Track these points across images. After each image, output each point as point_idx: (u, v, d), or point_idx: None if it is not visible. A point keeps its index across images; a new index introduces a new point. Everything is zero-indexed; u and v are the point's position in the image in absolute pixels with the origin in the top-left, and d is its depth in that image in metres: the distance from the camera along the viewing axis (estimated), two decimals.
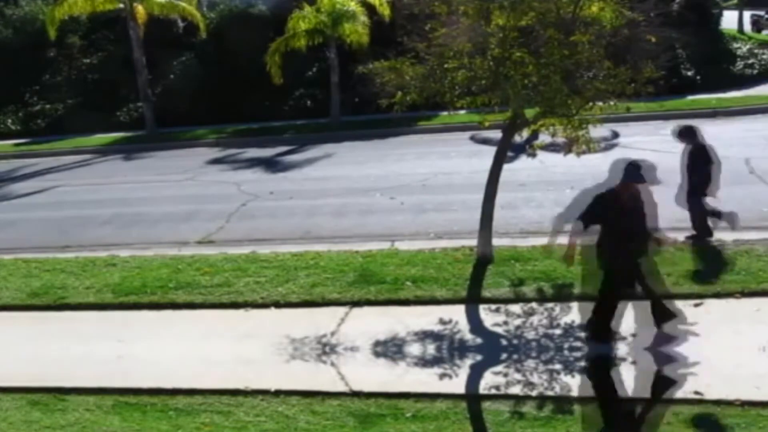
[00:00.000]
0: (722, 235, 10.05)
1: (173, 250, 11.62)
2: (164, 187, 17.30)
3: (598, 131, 10.79)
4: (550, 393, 7.20)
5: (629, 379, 7.56)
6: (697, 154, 10.08)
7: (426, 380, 7.69)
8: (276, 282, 9.78)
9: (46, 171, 21.40)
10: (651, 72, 8.98)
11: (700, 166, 9.99)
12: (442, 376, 7.75)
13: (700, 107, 21.39)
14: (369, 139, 21.38)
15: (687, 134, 10.29)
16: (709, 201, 10.20)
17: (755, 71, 25.43)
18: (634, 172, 7.62)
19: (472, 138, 19.41)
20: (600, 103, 9.29)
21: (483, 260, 9.74)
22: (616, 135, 17.82)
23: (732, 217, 10.04)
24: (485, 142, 17.21)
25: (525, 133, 10.35)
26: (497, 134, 10.25)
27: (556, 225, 9.59)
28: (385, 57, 9.74)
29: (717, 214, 10.15)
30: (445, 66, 9.09)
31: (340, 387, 7.86)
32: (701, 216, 10.11)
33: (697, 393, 6.91)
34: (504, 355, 7.90)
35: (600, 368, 7.73)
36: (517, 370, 7.60)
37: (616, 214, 7.57)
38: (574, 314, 8.34)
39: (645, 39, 9.03)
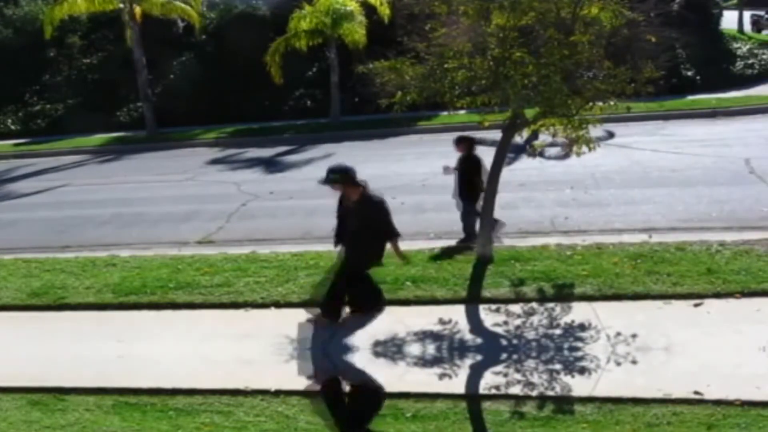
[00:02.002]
0: (724, 236, 10.06)
1: (173, 250, 11.62)
2: (164, 187, 17.29)
3: (599, 131, 10.82)
4: (550, 393, 7.19)
5: None
6: (468, 163, 10.63)
7: (426, 380, 7.68)
8: (276, 282, 9.78)
9: (46, 171, 21.41)
10: (651, 72, 8.97)
11: (471, 175, 10.56)
12: (442, 376, 7.75)
13: (700, 107, 21.41)
14: (369, 139, 21.38)
15: (461, 143, 10.78)
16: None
17: (755, 71, 25.47)
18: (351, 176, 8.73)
19: None
20: (600, 103, 9.29)
21: (483, 260, 9.74)
22: (613, 135, 17.83)
23: (499, 226, 10.51)
24: (485, 142, 17.19)
25: (525, 133, 10.37)
26: (497, 134, 10.24)
27: None
28: (385, 57, 9.73)
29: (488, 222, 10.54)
30: (445, 66, 9.07)
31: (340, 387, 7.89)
32: (470, 221, 10.58)
33: (697, 393, 6.90)
34: (504, 355, 7.89)
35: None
36: (517, 370, 7.60)
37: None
38: (574, 314, 8.34)
39: (645, 39, 9.02)
